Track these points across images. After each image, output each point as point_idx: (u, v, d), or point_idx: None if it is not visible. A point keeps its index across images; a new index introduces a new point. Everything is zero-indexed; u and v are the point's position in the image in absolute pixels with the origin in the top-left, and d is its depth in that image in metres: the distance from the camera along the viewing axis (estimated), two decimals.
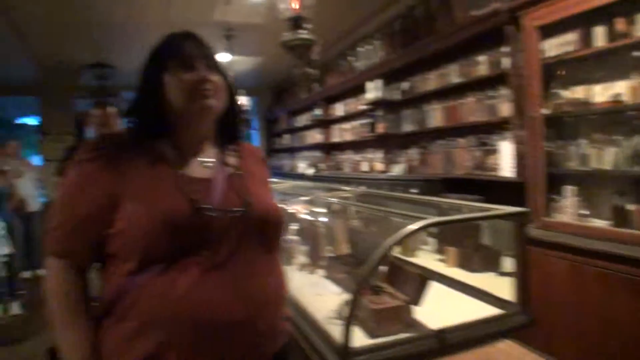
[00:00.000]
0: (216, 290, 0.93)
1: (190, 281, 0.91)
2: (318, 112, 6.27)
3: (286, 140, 7.98)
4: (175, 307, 0.89)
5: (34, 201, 5.17)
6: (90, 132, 2.94)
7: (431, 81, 4.07)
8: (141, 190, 0.95)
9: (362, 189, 3.66)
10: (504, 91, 3.24)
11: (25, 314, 4.29)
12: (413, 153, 4.38)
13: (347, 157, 5.64)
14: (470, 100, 3.65)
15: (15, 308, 4.23)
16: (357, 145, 5.50)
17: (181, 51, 1.02)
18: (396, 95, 4.52)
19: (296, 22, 2.15)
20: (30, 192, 5.16)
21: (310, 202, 3.13)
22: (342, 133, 5.80)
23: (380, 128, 4.65)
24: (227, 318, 0.93)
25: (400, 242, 1.29)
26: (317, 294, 1.80)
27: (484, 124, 3.51)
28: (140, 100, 1.06)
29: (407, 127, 4.45)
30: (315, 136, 6.56)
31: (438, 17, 3.94)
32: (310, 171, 6.19)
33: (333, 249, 2.46)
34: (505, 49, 3.11)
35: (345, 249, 2.35)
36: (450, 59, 3.82)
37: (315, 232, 2.37)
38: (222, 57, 6.19)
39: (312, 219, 2.53)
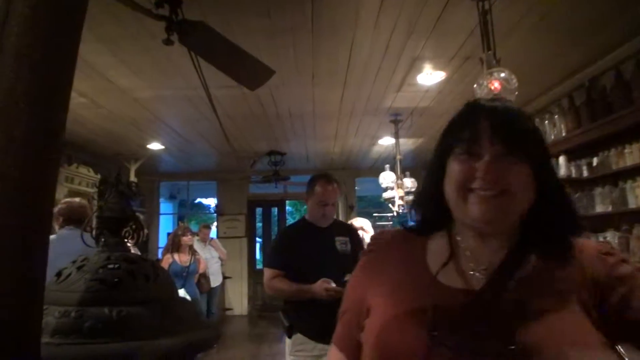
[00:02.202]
0: None
1: None
2: None
3: None
4: None
5: (217, 278, 5.65)
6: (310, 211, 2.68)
7: (630, 155, 3.60)
8: (383, 299, 0.82)
9: None
10: None
11: None
12: (610, 237, 3.83)
13: None
14: None
15: None
16: None
17: (467, 130, 0.79)
18: (583, 173, 4.09)
19: None
20: (214, 269, 5.66)
21: None
22: None
23: None
24: None
25: None
26: None
27: None
28: (423, 188, 0.91)
29: (601, 207, 3.94)
30: None
31: (633, 86, 3.55)
32: None
33: None
34: None
35: None
36: None
37: None
38: (386, 141, 6.39)
39: None
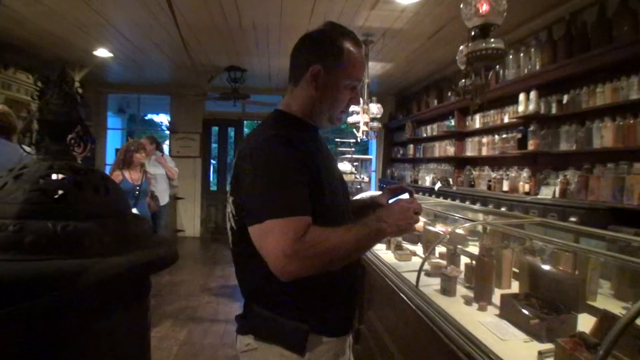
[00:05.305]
0: None
1: None
2: (451, 122, 5.90)
3: (409, 150, 7.68)
4: None
5: (163, 197, 5.40)
6: None
7: (601, 95, 3.57)
8: None
9: (534, 217, 3.30)
10: None
11: None
12: (570, 175, 3.88)
13: (484, 174, 5.22)
14: None
15: None
16: (496, 162, 5.06)
17: None
18: (553, 109, 4.06)
19: (484, 29, 1.90)
20: (161, 188, 5.39)
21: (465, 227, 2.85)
22: (479, 147, 5.38)
23: (531, 145, 4.21)
24: None
25: None
26: (501, 339, 1.57)
27: None
28: None
29: (565, 146, 3.96)
30: (446, 148, 6.19)
31: (615, 24, 3.44)
32: (437, 186, 5.84)
33: (500, 284, 2.17)
34: None
35: (521, 286, 2.05)
36: (629, 71, 3.31)
37: (483, 263, 2.09)
38: None
39: (480, 247, 2.24)
